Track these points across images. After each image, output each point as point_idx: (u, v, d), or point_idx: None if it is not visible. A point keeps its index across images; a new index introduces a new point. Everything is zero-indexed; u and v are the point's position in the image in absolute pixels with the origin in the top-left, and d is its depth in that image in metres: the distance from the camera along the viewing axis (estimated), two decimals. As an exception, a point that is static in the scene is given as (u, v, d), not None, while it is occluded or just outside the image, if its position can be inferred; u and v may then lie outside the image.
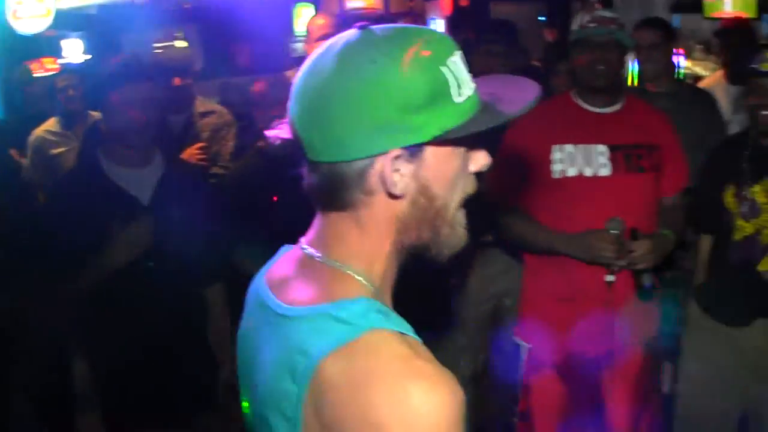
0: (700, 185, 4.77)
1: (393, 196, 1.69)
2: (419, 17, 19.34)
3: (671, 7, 11.73)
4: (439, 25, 17.41)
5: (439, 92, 1.64)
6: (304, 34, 6.76)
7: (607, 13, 4.41)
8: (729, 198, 4.47)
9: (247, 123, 6.43)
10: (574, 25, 4.43)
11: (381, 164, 1.65)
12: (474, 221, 1.86)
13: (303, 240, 1.87)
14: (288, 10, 13.24)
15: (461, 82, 1.68)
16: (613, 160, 4.33)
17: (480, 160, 1.80)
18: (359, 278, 1.74)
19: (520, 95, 1.78)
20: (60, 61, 9.77)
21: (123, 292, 4.06)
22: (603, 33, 4.30)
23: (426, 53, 1.64)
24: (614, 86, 4.42)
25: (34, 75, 8.23)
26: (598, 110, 4.42)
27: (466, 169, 1.77)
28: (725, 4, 9.85)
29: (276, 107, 5.18)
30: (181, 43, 7.12)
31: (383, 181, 1.67)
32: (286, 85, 5.37)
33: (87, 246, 4.00)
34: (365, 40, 1.67)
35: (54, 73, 8.18)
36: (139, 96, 4.09)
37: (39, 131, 7.28)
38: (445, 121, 1.64)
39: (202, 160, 6.03)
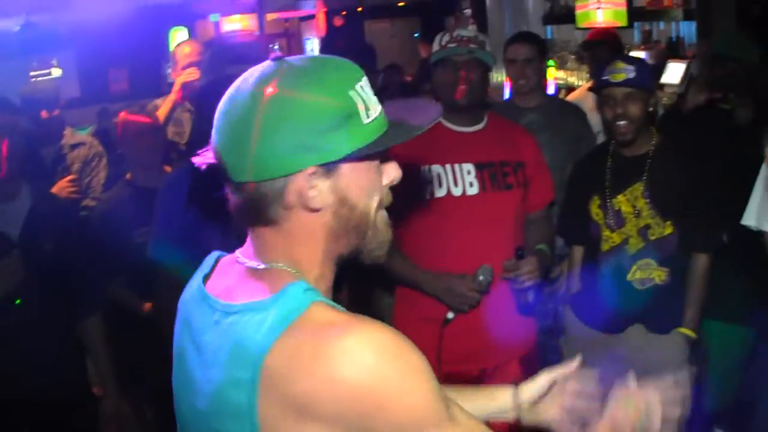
0: (567, 198, 4.85)
1: (312, 210, 1.83)
2: (294, 37, 19.49)
3: (544, 19, 11.89)
4: (314, 44, 17.50)
5: (349, 115, 1.78)
6: (177, 60, 6.73)
7: (467, 32, 4.43)
8: (594, 209, 4.55)
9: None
10: (435, 46, 4.44)
11: (298, 181, 1.79)
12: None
13: (239, 255, 1.99)
14: (164, 35, 13.18)
15: (369, 104, 1.82)
16: (480, 178, 4.35)
17: (391, 173, 1.95)
18: (296, 274, 1.86)
19: (420, 116, 1.94)
20: (-71, 91, 9.59)
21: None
22: (463, 52, 4.31)
23: (335, 80, 1.80)
24: (477, 105, 4.44)
25: None
26: (462, 129, 4.43)
27: (380, 181, 1.92)
28: (597, 14, 10.00)
29: (141, 138, 5.19)
30: (56, 71, 7.06)
31: (300, 197, 1.81)
32: (147, 115, 5.30)
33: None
34: (279, 71, 1.81)
35: None
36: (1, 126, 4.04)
37: None
38: (355, 141, 1.79)
39: (73, 192, 5.96)
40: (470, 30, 4.63)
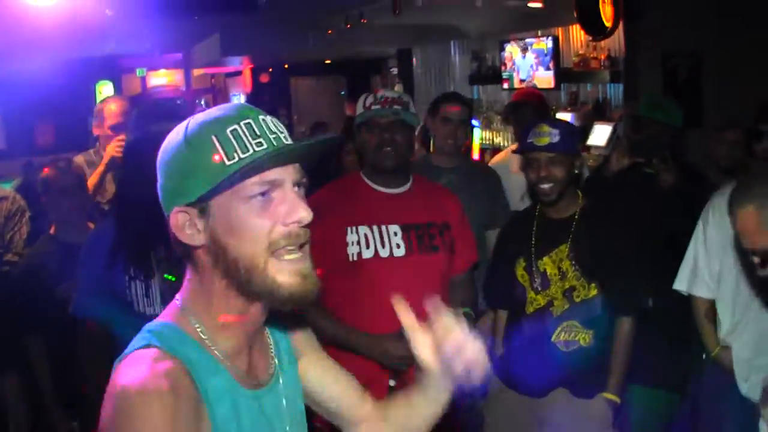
0: (494, 261, 4.84)
1: (194, 247, 1.95)
2: (221, 93, 19.49)
3: (470, 79, 12.00)
4: (241, 100, 17.53)
5: (205, 159, 1.88)
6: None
7: (391, 93, 4.44)
8: (520, 271, 4.54)
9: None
10: (359, 107, 4.45)
11: (177, 219, 1.93)
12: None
13: None
14: (90, 88, 13.11)
15: (239, 146, 1.87)
16: (407, 239, 4.33)
17: (280, 213, 1.93)
18: (184, 309, 2.00)
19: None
20: None
21: None
22: (388, 114, 4.31)
23: (201, 127, 1.91)
24: (402, 166, 4.42)
25: None
26: (388, 191, 4.42)
27: (265, 223, 1.91)
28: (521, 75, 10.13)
29: (65, 193, 5.13)
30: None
31: (180, 233, 1.94)
32: (73, 171, 5.23)
33: None
34: (185, 121, 1.96)
35: None
36: None
37: None
38: (209, 182, 1.88)
39: (-6, 248, 5.89)
40: (395, 91, 4.63)
